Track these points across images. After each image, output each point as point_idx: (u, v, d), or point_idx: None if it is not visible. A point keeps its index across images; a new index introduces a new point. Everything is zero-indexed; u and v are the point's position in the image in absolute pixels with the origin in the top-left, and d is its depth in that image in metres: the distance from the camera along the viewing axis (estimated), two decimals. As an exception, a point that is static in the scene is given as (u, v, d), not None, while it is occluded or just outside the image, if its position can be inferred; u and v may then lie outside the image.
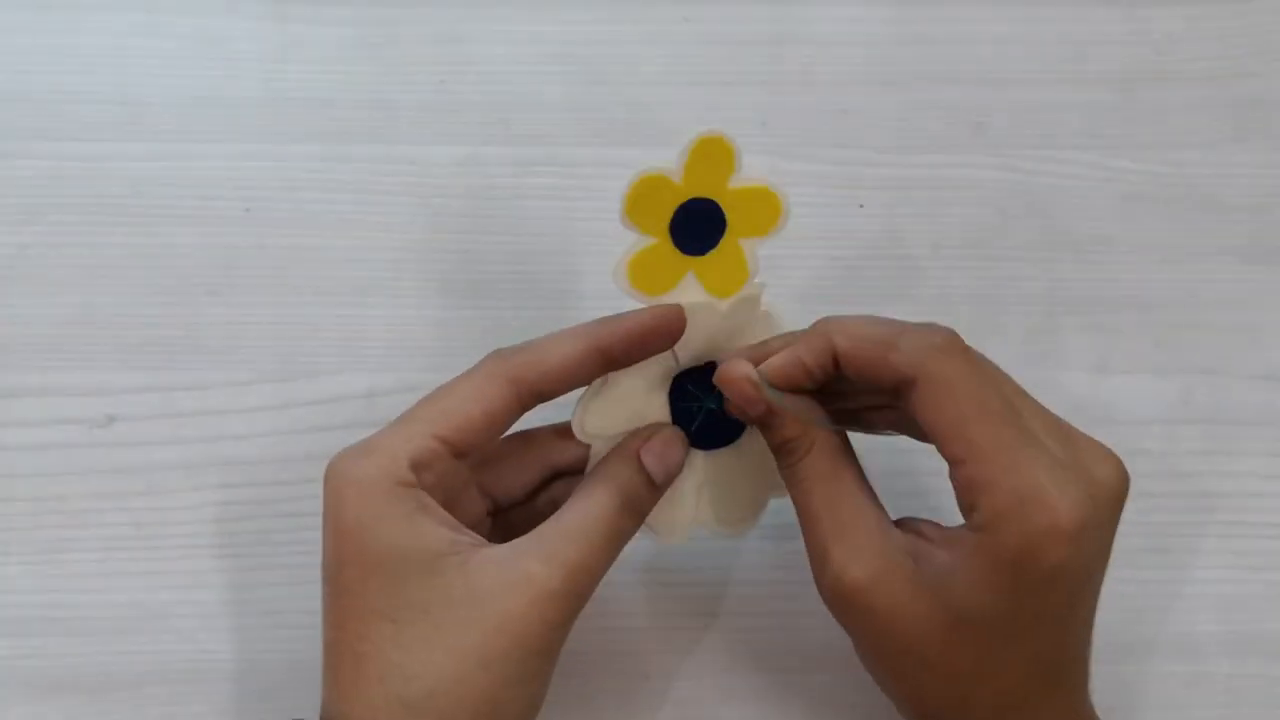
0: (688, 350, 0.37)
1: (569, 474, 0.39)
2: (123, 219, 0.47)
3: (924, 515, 0.36)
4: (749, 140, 0.49)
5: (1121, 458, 0.34)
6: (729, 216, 0.35)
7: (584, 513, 0.35)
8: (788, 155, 0.48)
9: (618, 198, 0.34)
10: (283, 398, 0.45)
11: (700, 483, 0.38)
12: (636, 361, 0.36)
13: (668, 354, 0.36)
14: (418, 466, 0.34)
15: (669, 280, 0.36)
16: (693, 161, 0.34)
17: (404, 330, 0.46)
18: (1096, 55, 0.50)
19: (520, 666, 0.33)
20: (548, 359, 0.35)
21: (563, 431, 0.38)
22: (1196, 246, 0.47)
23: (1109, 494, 0.34)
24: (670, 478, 0.37)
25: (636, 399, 0.37)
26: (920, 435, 0.36)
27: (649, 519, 0.37)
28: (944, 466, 0.33)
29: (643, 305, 0.36)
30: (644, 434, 0.37)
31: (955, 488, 0.33)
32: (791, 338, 0.37)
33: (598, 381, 0.36)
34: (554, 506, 0.36)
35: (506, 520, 0.39)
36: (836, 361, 0.35)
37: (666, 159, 0.34)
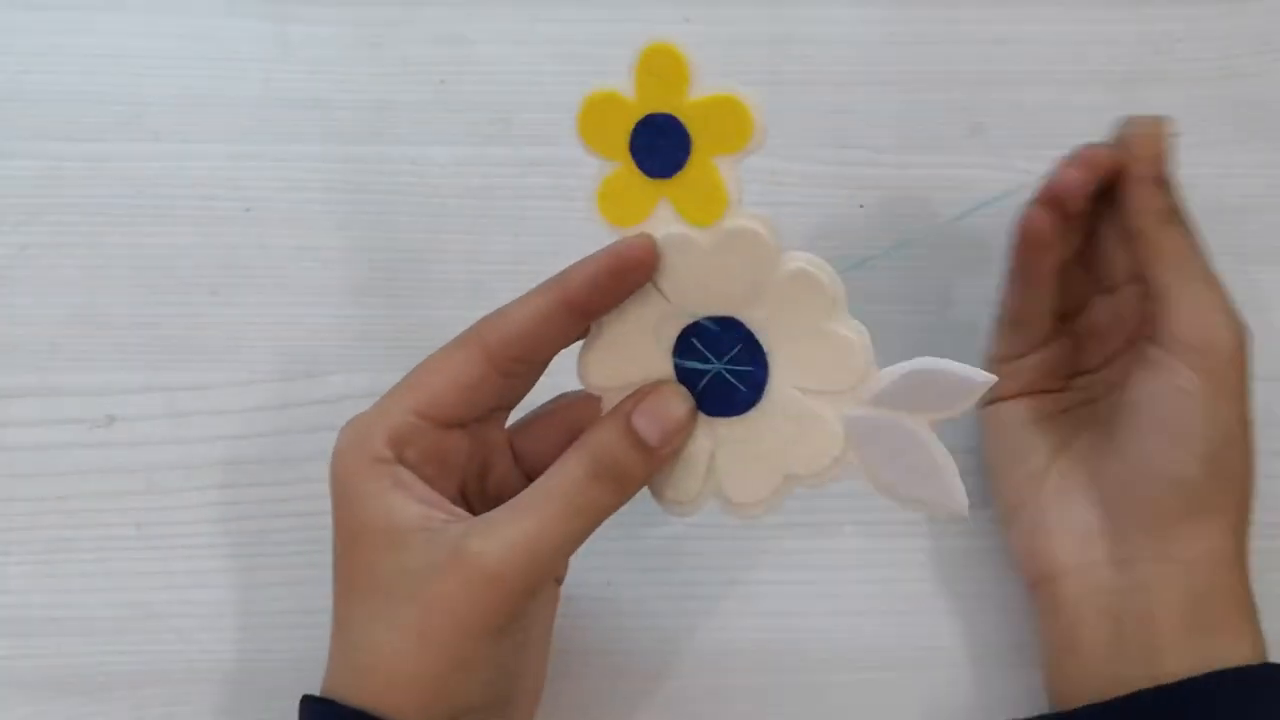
0: (678, 290, 0.34)
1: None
2: (123, 219, 0.47)
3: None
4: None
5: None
6: (693, 132, 0.32)
7: (544, 483, 0.33)
8: (788, 155, 0.48)
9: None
10: (283, 398, 0.45)
11: (713, 452, 0.35)
12: (608, 307, 0.34)
13: (660, 299, 0.34)
14: (397, 442, 0.34)
15: (640, 209, 0.33)
16: (642, 76, 0.32)
17: (403, 330, 0.46)
18: (1096, 55, 0.50)
19: (460, 649, 0.32)
20: (514, 318, 0.34)
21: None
22: (1196, 246, 0.47)
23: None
24: (668, 439, 0.34)
25: (634, 348, 0.34)
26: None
27: (656, 487, 0.35)
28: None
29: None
30: (640, 393, 0.34)
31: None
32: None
33: (592, 329, 0.35)
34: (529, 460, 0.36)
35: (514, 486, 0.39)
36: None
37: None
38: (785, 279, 0.33)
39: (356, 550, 0.34)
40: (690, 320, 0.34)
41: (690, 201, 0.33)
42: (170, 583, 0.43)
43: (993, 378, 0.32)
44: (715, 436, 0.35)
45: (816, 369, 0.33)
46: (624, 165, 0.33)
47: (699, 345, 0.34)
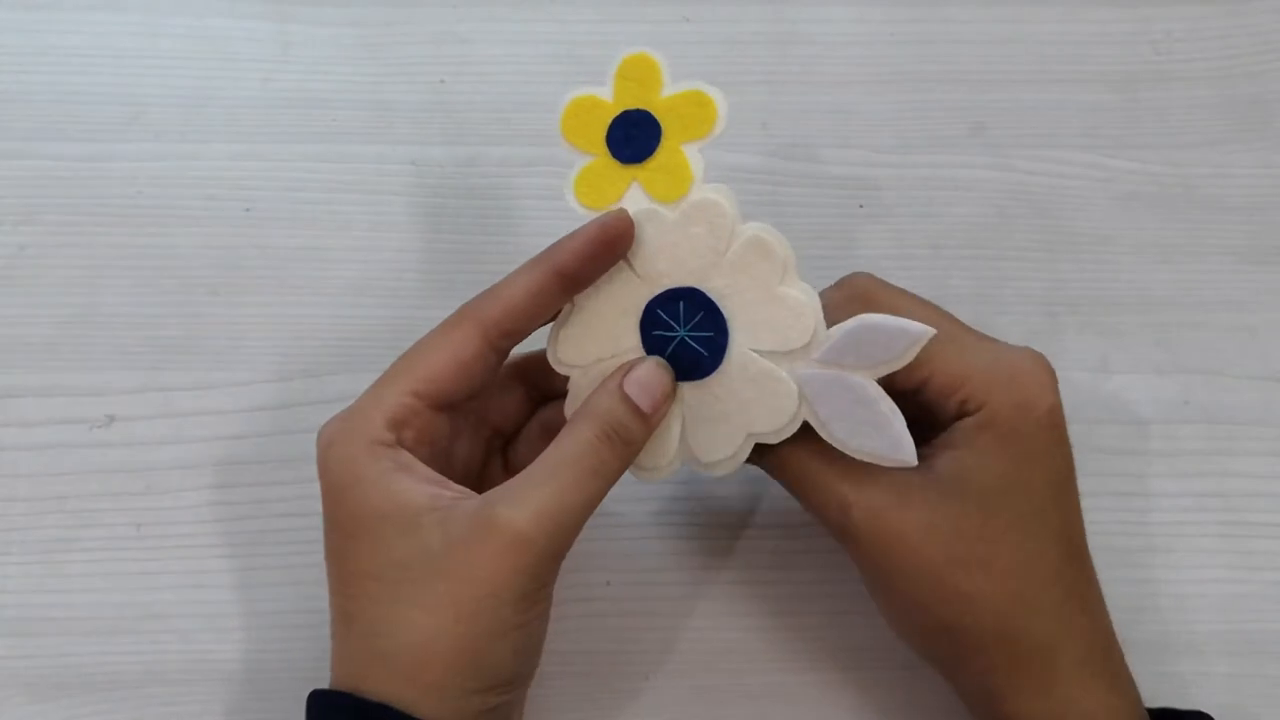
0: (649, 267, 0.36)
1: (558, 397, 0.38)
2: (123, 219, 0.47)
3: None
4: (749, 140, 0.49)
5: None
6: (663, 122, 0.36)
7: (557, 450, 0.34)
8: (788, 155, 0.48)
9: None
10: (283, 398, 0.45)
11: (680, 416, 0.37)
12: (595, 276, 0.36)
13: (632, 276, 0.36)
14: (396, 425, 0.35)
15: (613, 191, 0.36)
16: (620, 81, 0.36)
17: (404, 330, 0.45)
18: (1096, 55, 0.50)
19: (495, 617, 0.33)
20: (507, 293, 0.35)
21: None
22: (1196, 246, 0.47)
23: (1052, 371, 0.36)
24: (659, 405, 0.36)
25: (606, 324, 0.37)
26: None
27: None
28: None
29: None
30: (625, 367, 0.36)
31: (931, 401, 0.35)
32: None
33: (566, 308, 0.37)
34: (544, 430, 0.36)
35: (515, 460, 0.39)
36: None
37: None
38: (742, 246, 0.35)
39: (361, 538, 0.34)
40: (658, 292, 0.36)
41: (659, 182, 0.36)
42: (170, 583, 0.43)
43: (931, 330, 0.34)
44: (683, 401, 0.37)
45: (771, 331, 0.35)
46: (600, 157, 0.36)
47: (664, 316, 0.36)
